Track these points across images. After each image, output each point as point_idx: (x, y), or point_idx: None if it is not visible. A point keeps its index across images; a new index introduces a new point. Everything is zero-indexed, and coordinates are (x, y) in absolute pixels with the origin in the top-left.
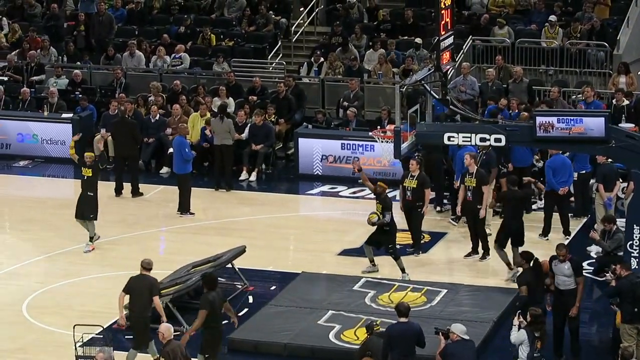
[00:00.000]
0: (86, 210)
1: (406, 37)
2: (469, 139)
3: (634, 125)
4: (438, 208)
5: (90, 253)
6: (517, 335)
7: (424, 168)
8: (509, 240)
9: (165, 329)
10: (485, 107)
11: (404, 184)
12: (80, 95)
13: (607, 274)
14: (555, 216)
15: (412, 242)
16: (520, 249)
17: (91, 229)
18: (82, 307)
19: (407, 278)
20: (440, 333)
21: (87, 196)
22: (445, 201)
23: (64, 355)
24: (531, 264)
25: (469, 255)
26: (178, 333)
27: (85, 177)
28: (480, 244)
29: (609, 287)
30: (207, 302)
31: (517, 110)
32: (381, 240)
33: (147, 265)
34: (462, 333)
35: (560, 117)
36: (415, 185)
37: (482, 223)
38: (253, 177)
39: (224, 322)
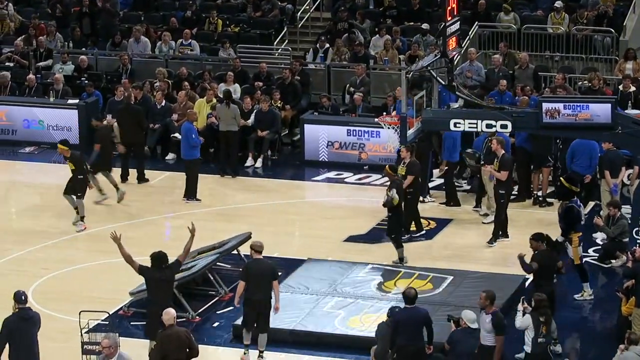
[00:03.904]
0: (78, 187)
1: (412, 23)
2: (475, 126)
3: None
4: (421, 198)
5: (97, 239)
6: (523, 320)
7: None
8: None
9: (165, 313)
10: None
11: (397, 172)
12: (86, 81)
13: (612, 261)
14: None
15: (415, 228)
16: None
17: (81, 209)
18: (88, 294)
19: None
20: (452, 321)
21: (78, 178)
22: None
23: (70, 341)
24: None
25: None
26: (184, 319)
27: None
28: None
29: (625, 267)
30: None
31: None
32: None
33: (258, 248)
34: (471, 322)
35: (567, 104)
36: (404, 172)
37: (502, 207)
38: (259, 163)
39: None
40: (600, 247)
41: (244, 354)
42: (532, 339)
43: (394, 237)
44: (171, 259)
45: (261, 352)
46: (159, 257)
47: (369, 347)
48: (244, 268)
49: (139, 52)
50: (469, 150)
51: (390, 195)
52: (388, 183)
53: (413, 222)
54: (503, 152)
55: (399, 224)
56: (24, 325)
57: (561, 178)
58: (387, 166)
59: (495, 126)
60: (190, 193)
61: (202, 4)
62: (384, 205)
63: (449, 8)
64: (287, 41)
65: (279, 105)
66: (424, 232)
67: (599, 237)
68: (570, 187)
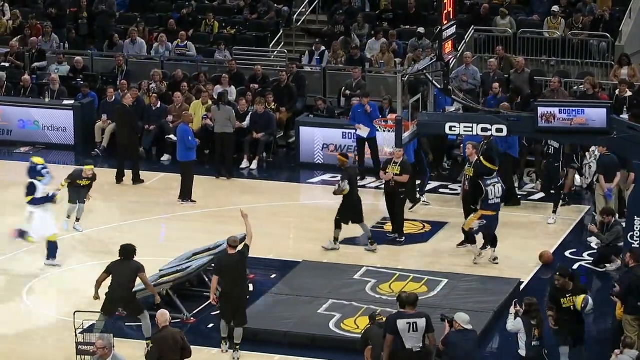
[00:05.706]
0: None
1: (408, 27)
2: (470, 129)
3: None
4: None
5: (92, 239)
6: (514, 323)
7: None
8: None
9: (160, 315)
10: (486, 98)
11: (387, 170)
12: (82, 82)
13: (607, 265)
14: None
15: (392, 228)
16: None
17: (81, 212)
18: (82, 294)
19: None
20: (446, 320)
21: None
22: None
23: (64, 341)
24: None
25: (461, 244)
26: (178, 321)
27: (82, 185)
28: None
29: (616, 276)
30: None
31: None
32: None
33: (233, 243)
34: (465, 323)
35: (562, 108)
36: (398, 172)
37: None
38: (254, 165)
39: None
40: (595, 251)
41: (225, 344)
42: (526, 342)
43: (337, 219)
44: (165, 260)
45: (237, 344)
46: (126, 249)
47: (362, 349)
48: (216, 263)
49: (135, 53)
50: None
51: (342, 186)
52: (380, 180)
53: (390, 222)
54: (476, 157)
55: (352, 210)
56: None
57: (480, 156)
58: (339, 153)
59: (490, 130)
60: (186, 194)
61: (198, 6)
62: (334, 193)
63: (445, 12)
64: (282, 44)
65: (272, 107)
66: (403, 238)
67: (594, 241)
68: (487, 165)
